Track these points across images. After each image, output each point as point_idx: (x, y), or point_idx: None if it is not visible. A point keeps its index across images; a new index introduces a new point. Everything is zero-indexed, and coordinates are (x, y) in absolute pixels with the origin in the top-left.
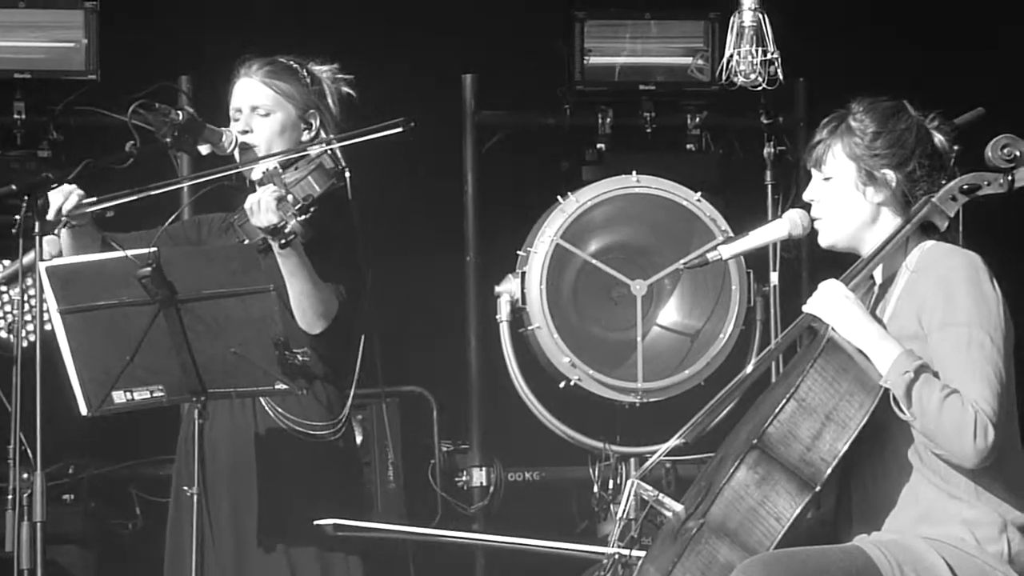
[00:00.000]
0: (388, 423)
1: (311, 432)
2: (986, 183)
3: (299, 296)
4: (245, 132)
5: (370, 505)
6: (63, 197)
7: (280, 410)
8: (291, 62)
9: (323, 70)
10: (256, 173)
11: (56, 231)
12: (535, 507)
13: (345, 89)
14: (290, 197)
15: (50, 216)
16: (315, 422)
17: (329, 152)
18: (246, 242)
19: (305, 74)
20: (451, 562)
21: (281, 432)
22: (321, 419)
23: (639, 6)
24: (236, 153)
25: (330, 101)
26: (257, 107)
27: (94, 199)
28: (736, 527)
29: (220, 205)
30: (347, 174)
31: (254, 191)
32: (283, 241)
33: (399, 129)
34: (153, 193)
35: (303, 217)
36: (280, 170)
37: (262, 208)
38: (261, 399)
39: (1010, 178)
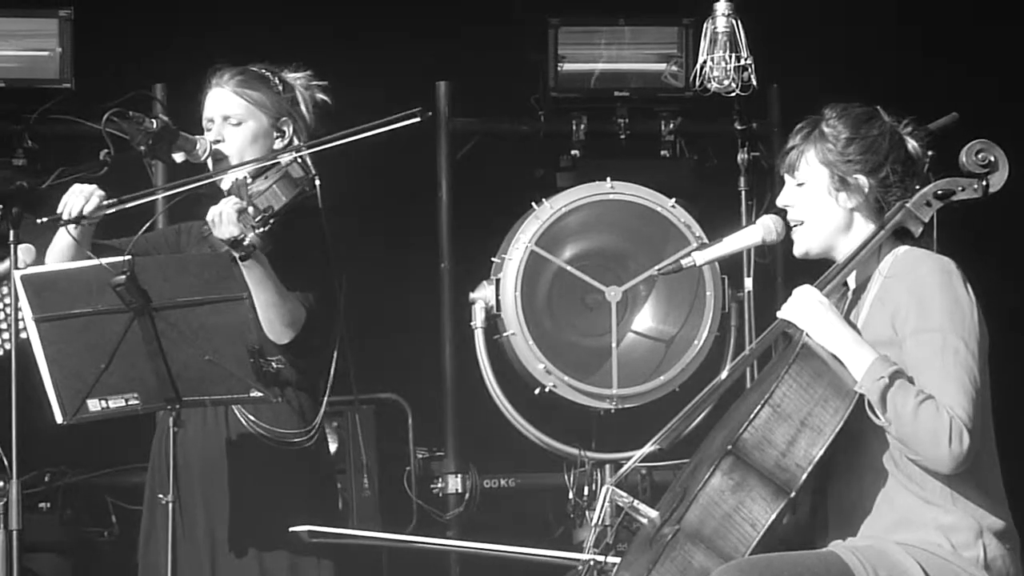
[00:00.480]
0: (363, 430)
1: (284, 440)
2: (960, 188)
3: (265, 307)
4: (217, 142)
5: (344, 512)
6: (84, 199)
7: (252, 417)
8: (262, 70)
9: (296, 77)
10: (226, 183)
11: (71, 229)
12: (510, 513)
13: (319, 95)
14: (251, 209)
15: (69, 216)
16: (288, 429)
17: (298, 160)
18: (228, 253)
19: (277, 82)
20: (426, 569)
21: (253, 439)
22: (294, 426)
23: (613, 12)
24: (209, 162)
25: (303, 108)
26: (229, 116)
27: (114, 200)
28: (711, 533)
29: (195, 214)
30: (317, 182)
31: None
32: (242, 254)
33: (416, 119)
34: (134, 204)
35: (261, 230)
36: (248, 180)
37: (223, 220)
38: (233, 408)
39: (984, 183)
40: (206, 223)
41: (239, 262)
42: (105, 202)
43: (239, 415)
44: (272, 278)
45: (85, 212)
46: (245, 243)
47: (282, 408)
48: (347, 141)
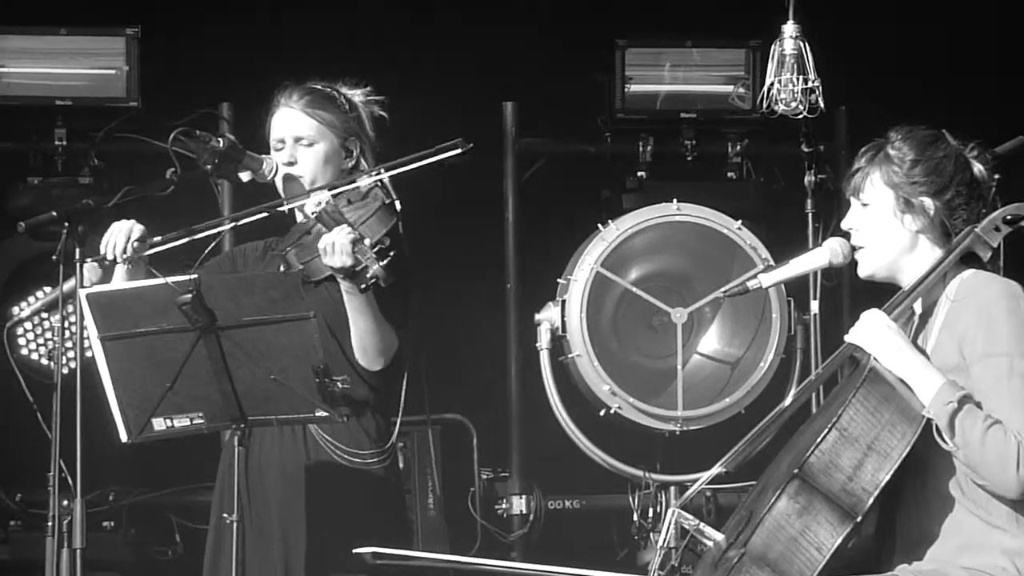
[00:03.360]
0: (432, 450)
1: (363, 461)
2: None
3: (364, 334)
4: (290, 164)
5: (412, 535)
6: (125, 237)
7: (330, 439)
8: (328, 88)
9: (356, 93)
10: (310, 207)
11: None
12: (575, 535)
13: (378, 111)
14: (367, 241)
15: (112, 256)
16: (365, 451)
17: (380, 185)
18: (297, 274)
19: (343, 101)
20: None
21: (331, 462)
22: (370, 447)
23: (680, 34)
24: (278, 182)
25: (367, 126)
26: (301, 138)
27: (158, 239)
28: (777, 557)
29: (260, 235)
30: (398, 206)
31: (295, 222)
32: (363, 285)
33: (458, 151)
34: (206, 234)
35: (384, 262)
36: (336, 206)
37: (336, 250)
38: (311, 429)
39: None
40: (272, 241)
41: (351, 290)
42: (157, 238)
43: (317, 436)
44: (373, 306)
45: (128, 251)
46: (368, 275)
47: (358, 430)
48: (375, 180)
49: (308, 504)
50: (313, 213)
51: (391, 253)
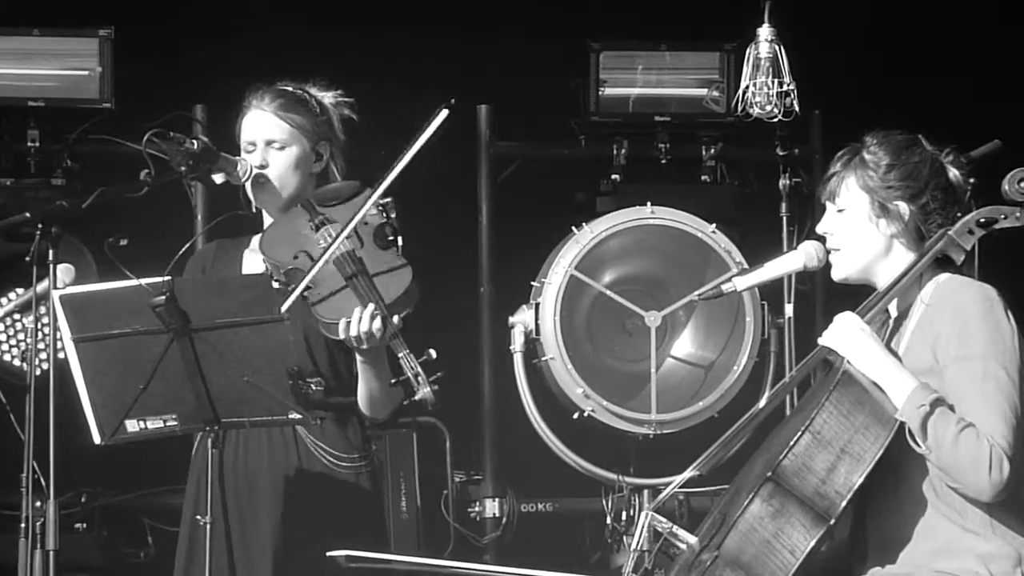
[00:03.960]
0: (402, 454)
1: (352, 467)
2: (1003, 216)
3: (375, 394)
4: (261, 166)
5: (388, 539)
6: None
7: (322, 445)
8: (299, 91)
9: (326, 96)
10: (354, 326)
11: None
12: (548, 538)
13: (348, 113)
14: (395, 318)
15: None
16: (354, 455)
17: (380, 209)
18: (269, 277)
19: (315, 104)
20: None
21: (322, 469)
22: (357, 453)
23: (654, 37)
24: (247, 185)
25: (337, 129)
26: (273, 141)
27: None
28: (750, 559)
29: (233, 235)
30: (400, 242)
31: (261, 219)
32: (406, 401)
33: (445, 114)
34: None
35: (435, 387)
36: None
37: (364, 340)
38: (302, 434)
39: None
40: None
41: (361, 355)
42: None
43: (308, 443)
44: (385, 365)
45: None
46: (416, 397)
47: (344, 436)
48: (402, 166)
49: (297, 509)
50: (347, 282)
51: (439, 373)
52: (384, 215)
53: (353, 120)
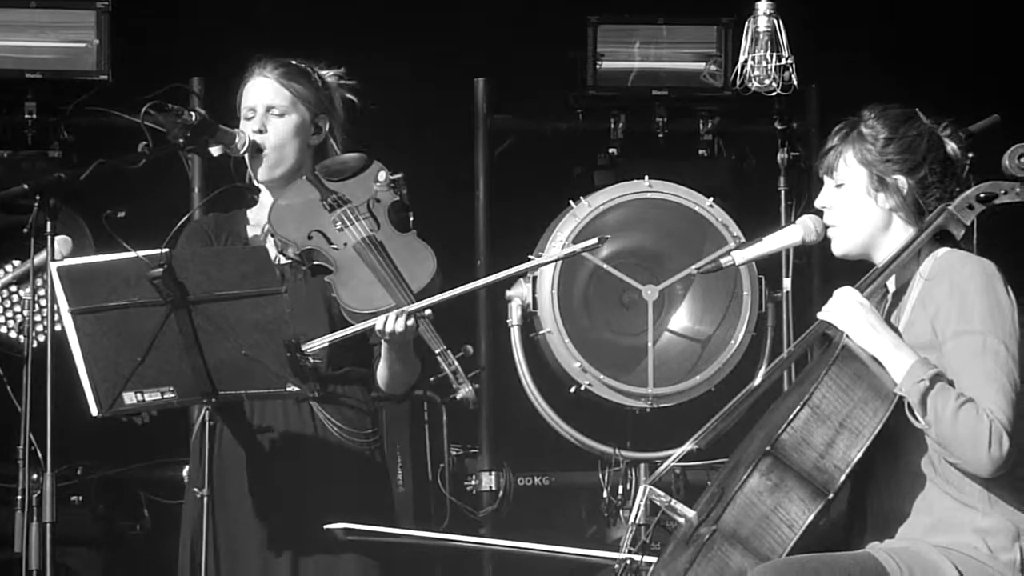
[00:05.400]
0: (399, 427)
1: (366, 441)
2: (1003, 192)
3: (399, 375)
4: (259, 132)
5: (393, 513)
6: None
7: (335, 421)
8: (302, 64)
9: (329, 74)
10: (388, 324)
11: None
12: (544, 512)
13: (348, 95)
14: (428, 312)
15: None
16: (368, 430)
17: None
18: (266, 249)
19: (317, 77)
20: (460, 566)
21: (332, 439)
22: (372, 427)
23: (652, 11)
24: (246, 155)
25: (338, 107)
26: (273, 107)
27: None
28: (748, 534)
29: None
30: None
31: (257, 193)
32: (443, 401)
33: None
34: None
35: (475, 384)
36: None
37: (397, 338)
38: (316, 408)
39: None
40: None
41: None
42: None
43: (322, 416)
44: (412, 354)
45: None
46: (457, 397)
47: (360, 410)
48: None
49: (313, 480)
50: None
51: (477, 370)
52: (396, 192)
53: (354, 103)
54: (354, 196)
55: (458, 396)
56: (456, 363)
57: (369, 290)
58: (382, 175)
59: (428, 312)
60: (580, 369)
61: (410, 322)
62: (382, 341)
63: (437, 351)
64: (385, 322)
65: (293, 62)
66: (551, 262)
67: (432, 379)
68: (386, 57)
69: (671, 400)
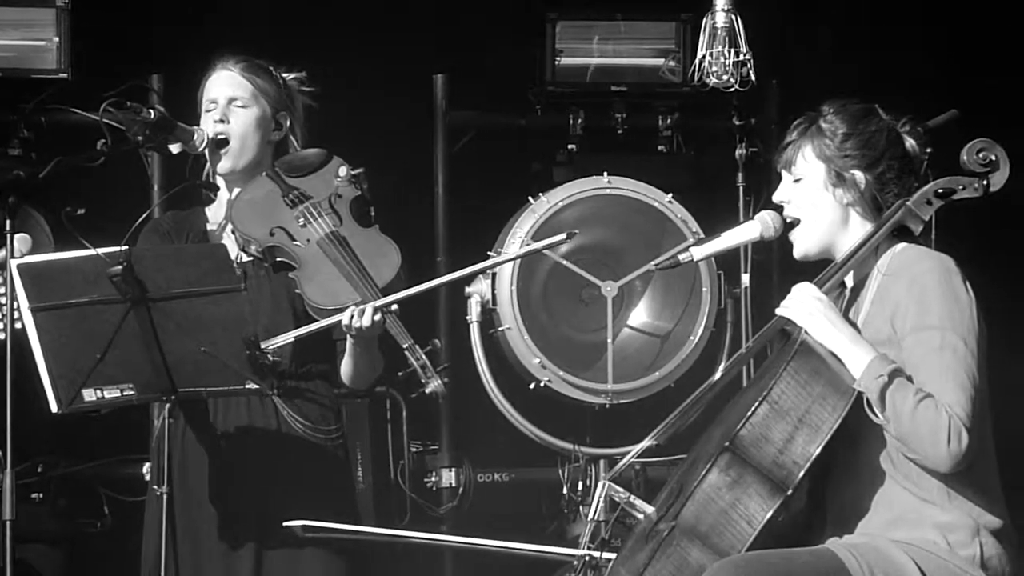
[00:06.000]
0: (358, 423)
1: (327, 437)
2: (961, 187)
3: (364, 371)
4: (221, 121)
5: (355, 510)
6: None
7: (298, 417)
8: (263, 62)
9: (290, 77)
10: (355, 320)
11: None
12: (504, 508)
13: (307, 100)
14: (395, 307)
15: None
16: (331, 426)
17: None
18: (224, 246)
19: (278, 76)
20: (420, 563)
21: (295, 434)
22: (335, 423)
23: (610, 7)
24: (207, 150)
25: (298, 106)
26: (235, 99)
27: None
28: (707, 529)
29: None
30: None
31: (216, 190)
32: (413, 394)
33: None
34: None
35: (444, 378)
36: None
37: (362, 333)
38: (277, 403)
39: (985, 182)
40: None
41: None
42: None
43: (284, 413)
44: (375, 350)
45: None
46: (427, 390)
47: (322, 406)
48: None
49: (276, 476)
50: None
51: (446, 364)
52: (357, 187)
53: (312, 107)
54: (315, 192)
55: (427, 390)
56: (424, 357)
57: (334, 285)
58: (343, 170)
59: (394, 307)
60: (540, 365)
61: (377, 317)
62: (347, 336)
63: (405, 345)
64: (352, 317)
65: (255, 60)
66: (517, 258)
67: (400, 373)
68: (344, 52)
69: (630, 396)
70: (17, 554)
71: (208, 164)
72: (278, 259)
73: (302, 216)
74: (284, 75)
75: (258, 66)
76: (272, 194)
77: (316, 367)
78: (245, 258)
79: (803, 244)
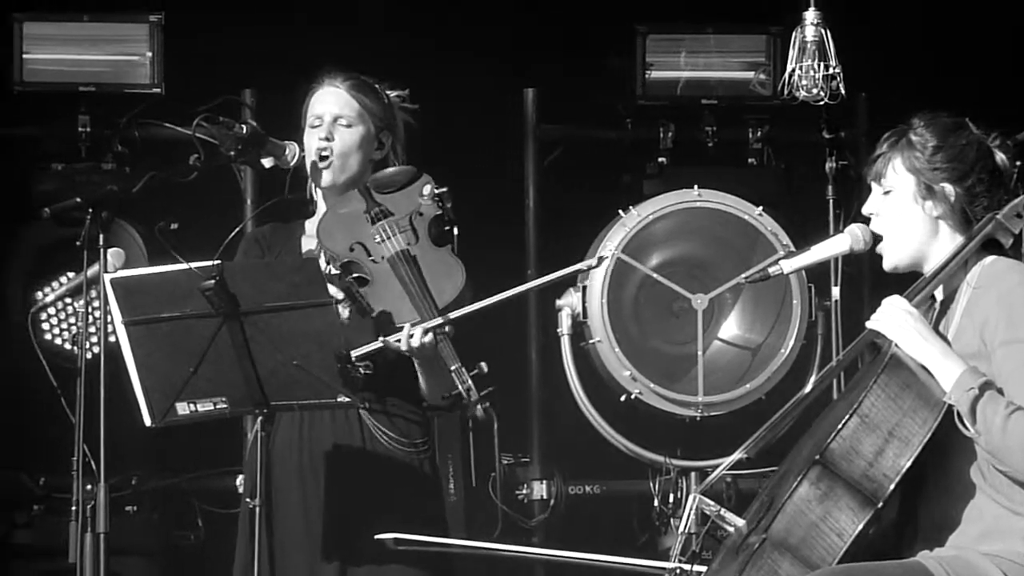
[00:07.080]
0: (450, 436)
1: (416, 451)
2: None
3: (435, 385)
4: (326, 139)
5: (445, 524)
6: None
7: (382, 427)
8: (371, 80)
9: (393, 94)
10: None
11: None
12: (595, 521)
13: (407, 118)
14: (448, 328)
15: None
16: (415, 439)
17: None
18: (317, 260)
19: (383, 94)
20: None
21: (381, 449)
22: (421, 437)
23: (700, 21)
24: (308, 164)
25: (399, 126)
26: (340, 117)
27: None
28: (798, 542)
29: (286, 220)
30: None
31: (312, 203)
32: (459, 412)
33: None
34: None
35: (486, 403)
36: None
37: (415, 353)
38: (365, 417)
39: None
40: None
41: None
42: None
43: (368, 423)
44: (439, 363)
45: None
46: (468, 413)
47: (404, 417)
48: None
49: (359, 490)
50: (401, 284)
51: (490, 388)
52: (439, 206)
53: (412, 125)
54: (398, 209)
55: (468, 413)
56: (470, 380)
57: (398, 304)
58: (427, 188)
59: (448, 328)
60: (630, 378)
61: (427, 338)
62: (415, 360)
63: (452, 368)
64: (404, 336)
65: (362, 77)
66: (549, 283)
67: (444, 397)
68: (436, 68)
69: (721, 408)
70: (111, 567)
71: (310, 178)
72: (355, 275)
73: (379, 233)
74: (388, 92)
75: (364, 84)
76: (357, 210)
77: (401, 382)
78: (333, 271)
79: (892, 257)
